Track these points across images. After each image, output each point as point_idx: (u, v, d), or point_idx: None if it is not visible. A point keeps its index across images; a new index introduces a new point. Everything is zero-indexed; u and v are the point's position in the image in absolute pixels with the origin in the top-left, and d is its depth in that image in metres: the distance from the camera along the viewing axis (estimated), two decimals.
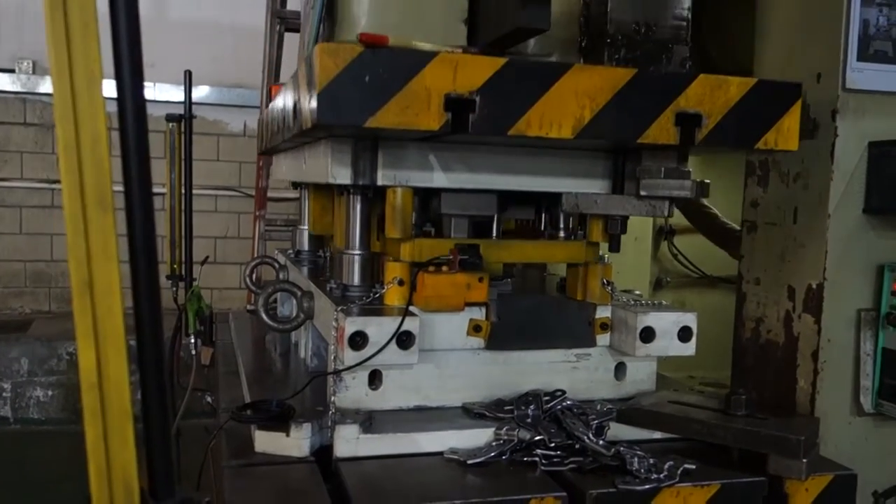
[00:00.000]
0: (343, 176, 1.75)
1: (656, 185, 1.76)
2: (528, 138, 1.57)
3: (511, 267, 2.09)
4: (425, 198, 1.93)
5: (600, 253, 2.00)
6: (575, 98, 1.56)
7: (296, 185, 2.89)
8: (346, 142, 1.73)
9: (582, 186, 1.87)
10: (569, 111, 1.56)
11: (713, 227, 3.16)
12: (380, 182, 1.76)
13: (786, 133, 1.70)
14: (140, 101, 1.14)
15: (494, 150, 1.81)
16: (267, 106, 2.76)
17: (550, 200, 2.02)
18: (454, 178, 1.80)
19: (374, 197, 1.89)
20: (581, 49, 1.81)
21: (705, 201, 3.19)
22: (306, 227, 2.88)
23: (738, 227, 3.02)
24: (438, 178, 1.79)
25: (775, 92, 1.71)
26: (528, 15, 1.51)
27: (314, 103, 1.46)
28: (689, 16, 1.75)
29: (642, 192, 1.77)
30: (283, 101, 1.97)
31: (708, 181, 1.77)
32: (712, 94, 1.64)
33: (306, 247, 2.77)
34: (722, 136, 1.66)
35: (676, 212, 3.59)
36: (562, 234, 2.05)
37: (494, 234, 1.99)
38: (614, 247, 1.91)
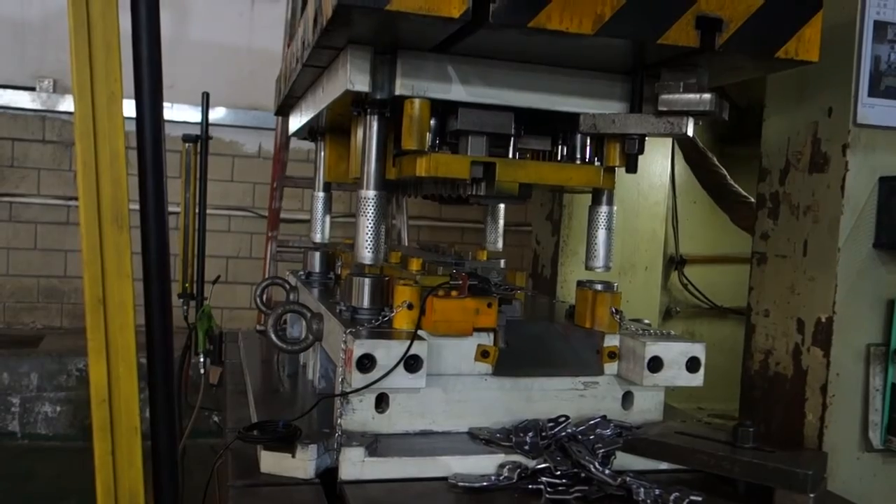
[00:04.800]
0: (361, 83, 1.73)
1: (675, 100, 1.72)
2: (548, 34, 1.54)
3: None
4: (442, 121, 1.89)
5: (614, 179, 1.96)
6: None
7: (313, 137, 2.88)
8: (366, 50, 1.72)
9: (600, 108, 1.84)
10: (589, 6, 1.54)
11: (720, 187, 3.02)
12: (398, 91, 1.74)
13: (807, 43, 1.65)
14: (158, 122, 1.16)
15: (512, 67, 1.79)
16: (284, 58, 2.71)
17: (567, 129, 1.98)
18: (472, 92, 1.78)
19: (390, 120, 1.86)
20: None
21: (715, 160, 3.06)
22: (318, 234, 2.84)
23: (745, 193, 2.93)
24: (456, 91, 1.77)
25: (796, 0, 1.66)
26: None
27: None
28: None
29: (661, 108, 1.74)
30: (303, 24, 1.96)
31: (727, 102, 1.71)
32: None
33: (317, 268, 2.79)
34: (742, 41, 1.62)
35: (688, 240, 3.61)
36: (578, 162, 2.00)
37: (511, 155, 1.95)
38: (632, 168, 1.88)
